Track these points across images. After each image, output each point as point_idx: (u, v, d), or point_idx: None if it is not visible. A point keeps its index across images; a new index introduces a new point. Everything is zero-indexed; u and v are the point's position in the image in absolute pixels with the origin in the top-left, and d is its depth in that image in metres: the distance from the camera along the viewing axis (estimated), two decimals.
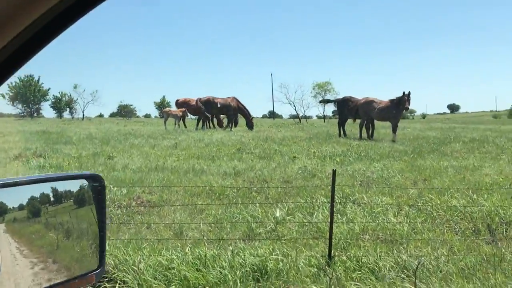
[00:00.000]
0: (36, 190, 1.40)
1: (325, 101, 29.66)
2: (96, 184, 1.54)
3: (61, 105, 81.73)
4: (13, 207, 1.33)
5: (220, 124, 32.04)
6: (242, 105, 32.60)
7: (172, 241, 6.26)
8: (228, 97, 32.26)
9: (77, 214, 1.54)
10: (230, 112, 31.86)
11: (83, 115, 76.16)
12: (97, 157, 14.36)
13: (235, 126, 31.80)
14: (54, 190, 1.46)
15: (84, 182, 1.55)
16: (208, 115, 31.93)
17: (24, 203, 1.36)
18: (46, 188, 1.42)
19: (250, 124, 32.07)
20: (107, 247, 5.63)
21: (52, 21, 1.03)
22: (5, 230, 1.29)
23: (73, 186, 1.53)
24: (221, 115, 33.10)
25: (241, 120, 32.82)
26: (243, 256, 5.39)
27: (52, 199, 1.46)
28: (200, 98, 32.16)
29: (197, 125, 33.88)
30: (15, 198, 1.33)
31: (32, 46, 1.07)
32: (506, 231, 6.70)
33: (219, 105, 31.35)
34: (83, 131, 27.98)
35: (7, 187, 1.30)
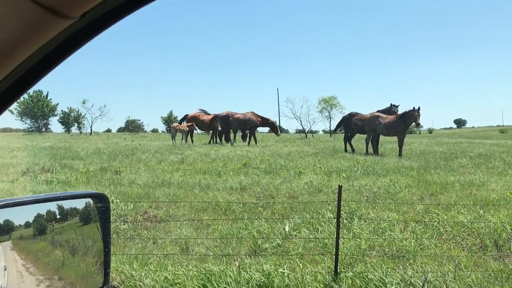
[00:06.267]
0: (43, 208, 1.42)
1: (336, 129, 29.95)
2: (101, 205, 1.57)
3: (69, 120, 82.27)
4: (19, 224, 1.35)
5: (227, 139, 32.00)
6: (264, 118, 32.59)
7: (178, 257, 6.26)
8: (247, 112, 32.16)
9: (83, 232, 1.56)
10: (251, 127, 31.79)
11: (91, 130, 76.60)
12: (105, 172, 14.41)
13: (255, 142, 31.46)
14: (60, 208, 1.48)
15: (89, 199, 1.57)
16: (225, 130, 31.91)
17: (31, 221, 1.38)
18: (52, 206, 1.45)
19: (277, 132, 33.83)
20: (112, 264, 5.62)
21: (53, 51, 1.05)
22: (12, 247, 1.31)
23: (79, 203, 1.55)
24: (245, 131, 33.24)
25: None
26: (249, 272, 5.39)
27: (58, 216, 1.48)
28: (218, 114, 32.14)
29: (211, 140, 34.04)
30: (22, 216, 1.35)
31: (33, 75, 1.10)
32: None
33: (239, 120, 31.26)
34: (90, 146, 28.11)
35: (14, 206, 1.32)
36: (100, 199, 1.57)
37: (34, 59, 1.04)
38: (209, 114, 35.49)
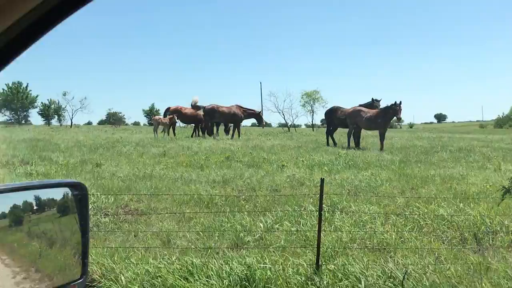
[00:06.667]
0: (19, 198, 1.38)
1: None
2: (78, 193, 1.53)
3: (50, 112, 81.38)
4: None
5: (210, 132, 31.77)
6: (249, 109, 32.30)
7: (160, 250, 6.22)
8: (232, 105, 31.73)
9: (61, 223, 1.53)
10: (235, 121, 31.62)
11: (72, 122, 75.77)
12: (85, 165, 14.27)
13: (239, 135, 31.25)
14: (37, 198, 1.44)
15: (67, 190, 1.54)
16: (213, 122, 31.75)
17: (6, 211, 1.34)
18: (29, 196, 1.41)
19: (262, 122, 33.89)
20: (92, 256, 5.58)
21: (43, 16, 1.02)
22: None
23: (57, 194, 1.52)
24: (230, 124, 33.09)
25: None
26: (230, 265, 5.37)
27: (35, 207, 1.44)
28: (204, 106, 31.86)
29: (193, 133, 33.94)
30: None
31: (21, 41, 1.06)
32: (492, 240, 6.73)
33: (224, 113, 30.94)
34: (71, 139, 27.79)
35: None
36: (77, 188, 1.54)
37: (22, 24, 1.01)
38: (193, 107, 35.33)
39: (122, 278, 5.16)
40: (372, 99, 24.64)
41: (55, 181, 1.55)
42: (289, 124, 59.98)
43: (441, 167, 14.63)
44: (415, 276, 5.11)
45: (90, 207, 8.00)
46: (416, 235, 6.88)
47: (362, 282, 4.95)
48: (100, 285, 5.21)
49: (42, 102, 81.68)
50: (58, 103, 79.38)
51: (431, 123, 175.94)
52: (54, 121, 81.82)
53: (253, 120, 37.54)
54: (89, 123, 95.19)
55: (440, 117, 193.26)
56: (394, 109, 20.95)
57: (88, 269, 1.56)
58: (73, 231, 1.54)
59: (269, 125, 69.74)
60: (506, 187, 4.01)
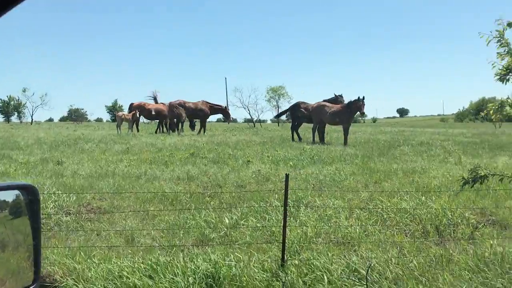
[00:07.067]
0: None
1: (279, 115, 30.11)
2: (29, 196, 1.47)
3: (9, 109, 79.23)
4: None
5: (174, 128, 31.43)
6: (216, 105, 32.06)
7: (123, 248, 6.13)
8: (199, 101, 31.42)
9: (13, 225, 1.46)
10: (202, 116, 31.32)
11: (32, 119, 74.22)
12: (46, 163, 13.92)
13: (204, 131, 31.02)
14: None
15: (18, 191, 1.47)
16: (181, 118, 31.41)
17: None
18: None
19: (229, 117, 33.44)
20: (53, 256, 5.43)
21: None
22: None
23: (8, 196, 1.45)
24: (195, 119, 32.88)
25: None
26: (196, 262, 5.33)
27: None
28: (171, 102, 31.47)
29: (157, 129, 33.73)
30: None
31: None
32: (453, 232, 6.89)
33: (191, 109, 30.60)
34: (31, 136, 27.10)
35: None
36: (29, 191, 1.47)
37: None
38: (157, 103, 34.97)
39: (85, 278, 5.05)
40: (335, 94, 24.87)
41: (6, 183, 1.47)
42: (254, 119, 60.00)
43: (404, 161, 14.88)
44: (379, 269, 5.18)
45: (51, 206, 7.85)
46: (380, 228, 6.98)
47: (325, 277, 4.98)
48: (62, 285, 5.10)
49: (1, 99, 79.49)
50: (18, 99, 77.54)
51: (394, 117, 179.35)
52: (14, 118, 79.98)
53: (219, 116, 37.40)
54: (51, 120, 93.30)
55: (402, 112, 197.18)
56: (358, 104, 21.16)
57: (41, 274, 1.49)
58: (26, 233, 1.48)
59: (235, 120, 69.70)
60: (466, 178, 4.10)
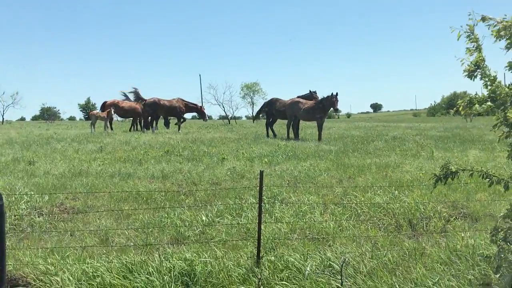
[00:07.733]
0: None
1: (257, 115, 30.15)
2: None
3: None
4: None
5: (148, 126, 31.16)
6: (192, 103, 32.00)
7: (97, 248, 6.06)
8: (174, 99, 31.21)
9: None
10: (178, 114, 31.10)
11: (3, 118, 72.78)
12: (17, 163, 13.67)
13: (179, 129, 31.12)
14: None
15: None
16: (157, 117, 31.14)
17: None
18: None
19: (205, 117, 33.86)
20: (26, 258, 5.34)
21: None
22: None
23: None
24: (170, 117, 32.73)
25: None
26: (171, 261, 5.31)
27: None
28: (145, 100, 31.13)
29: (131, 127, 33.52)
30: None
31: None
32: (426, 226, 7.00)
33: (165, 107, 30.31)
34: (2, 136, 26.59)
35: None
36: None
37: None
38: (130, 101, 34.57)
39: (58, 279, 4.98)
40: (310, 91, 25.01)
41: None
42: (229, 116, 59.90)
43: (377, 155, 15.05)
44: (353, 264, 5.23)
45: (23, 207, 7.71)
46: (354, 223, 7.05)
47: (301, 272, 5.01)
48: (35, 287, 5.02)
49: None
50: None
51: (368, 112, 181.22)
52: None
53: (194, 113, 37.28)
54: (22, 119, 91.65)
55: (376, 107, 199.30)
56: (331, 100, 21.31)
57: (6, 277, 1.47)
58: None
59: (209, 117, 69.47)
60: (438, 175, 4.17)
